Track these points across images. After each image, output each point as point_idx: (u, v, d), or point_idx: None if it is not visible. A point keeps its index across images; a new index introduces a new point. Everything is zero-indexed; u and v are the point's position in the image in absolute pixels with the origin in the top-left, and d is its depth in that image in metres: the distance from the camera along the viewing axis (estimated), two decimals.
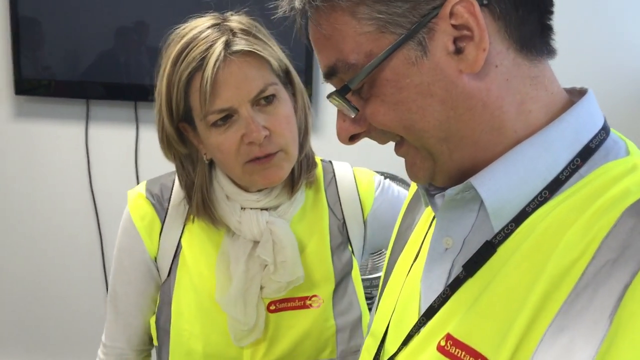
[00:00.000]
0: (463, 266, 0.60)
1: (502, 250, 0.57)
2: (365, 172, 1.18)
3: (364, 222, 1.13)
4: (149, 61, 2.21)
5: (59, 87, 2.23)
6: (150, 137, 2.26)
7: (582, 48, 2.12)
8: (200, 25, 0.98)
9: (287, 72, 1.03)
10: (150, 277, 1.10)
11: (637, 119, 2.06)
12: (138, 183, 2.26)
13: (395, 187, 1.19)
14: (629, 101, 2.16)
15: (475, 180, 0.58)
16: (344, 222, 1.11)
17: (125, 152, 2.27)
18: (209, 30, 0.96)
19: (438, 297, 0.61)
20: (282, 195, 1.06)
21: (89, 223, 2.32)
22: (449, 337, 0.58)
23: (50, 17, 2.19)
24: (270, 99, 0.98)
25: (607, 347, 0.47)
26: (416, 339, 0.63)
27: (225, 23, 0.98)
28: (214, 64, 0.92)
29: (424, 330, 0.62)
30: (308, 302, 1.06)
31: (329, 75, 0.61)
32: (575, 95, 0.62)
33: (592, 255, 0.51)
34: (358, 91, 0.60)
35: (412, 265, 0.71)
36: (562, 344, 0.49)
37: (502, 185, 0.57)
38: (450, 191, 0.60)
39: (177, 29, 1.01)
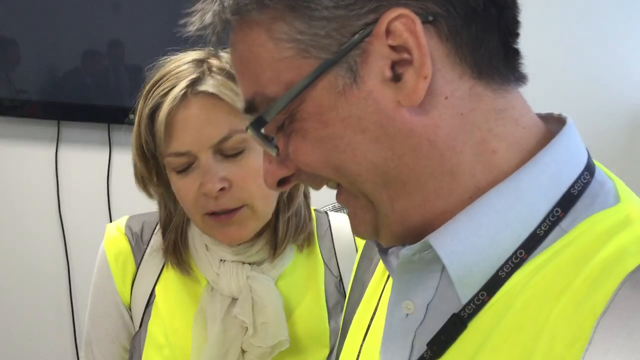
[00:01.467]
0: (428, 344, 0.50)
1: (474, 325, 0.48)
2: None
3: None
4: (124, 82, 2.15)
5: (28, 107, 2.15)
6: (123, 160, 2.18)
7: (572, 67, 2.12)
8: (182, 59, 0.91)
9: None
10: (123, 323, 1.00)
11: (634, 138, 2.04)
12: (110, 209, 2.19)
13: None
14: (624, 120, 2.15)
15: (434, 240, 0.48)
16: (341, 279, 1.00)
17: (97, 176, 2.19)
18: (186, 66, 0.88)
19: None
20: (264, 250, 0.96)
21: (56, 251, 2.22)
22: None
23: (23, 36, 2.11)
24: (238, 150, 0.87)
25: None
26: None
27: (209, 59, 0.89)
28: (170, 103, 0.84)
29: None
30: None
31: (249, 110, 0.52)
32: (553, 123, 0.52)
33: (588, 340, 0.42)
34: (281, 127, 0.50)
35: (368, 325, 0.61)
36: None
37: (467, 246, 0.48)
38: (406, 251, 0.51)
39: (163, 60, 0.94)
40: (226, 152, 0.86)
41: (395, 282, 0.54)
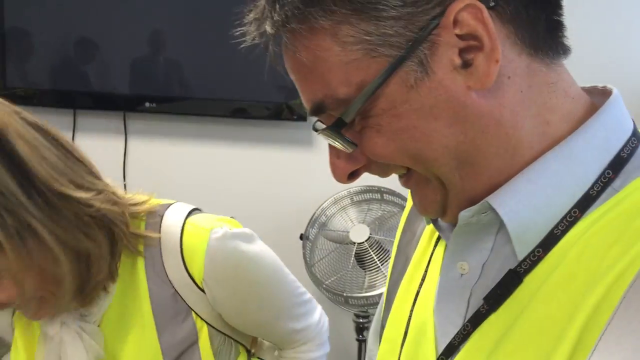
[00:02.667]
0: (484, 299, 0.53)
1: (529, 280, 0.50)
2: (198, 227, 0.93)
3: (201, 289, 0.93)
4: (139, 71, 2.16)
5: (44, 97, 2.17)
6: (139, 148, 2.19)
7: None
8: None
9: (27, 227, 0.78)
10: None
11: None
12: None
13: (243, 242, 0.96)
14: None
15: (494, 200, 0.51)
16: (176, 291, 0.93)
17: (113, 164, 2.21)
18: None
19: (458, 332, 0.54)
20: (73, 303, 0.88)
21: None
22: None
23: (37, 26, 2.13)
24: None
25: None
26: None
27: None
28: None
29: None
30: None
31: (317, 112, 0.53)
32: (596, 96, 0.55)
33: (633, 277, 0.45)
34: (351, 124, 0.52)
35: (418, 290, 0.63)
36: None
37: (525, 205, 0.50)
38: (466, 212, 0.53)
39: None
40: None
41: (450, 245, 0.57)
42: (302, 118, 2.08)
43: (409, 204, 0.76)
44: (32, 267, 0.78)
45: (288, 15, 0.50)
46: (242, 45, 0.54)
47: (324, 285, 1.92)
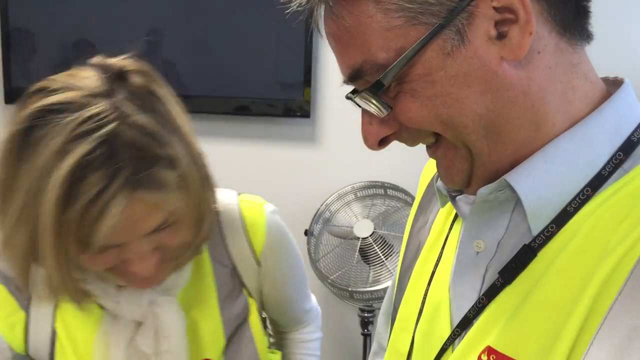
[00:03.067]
0: (499, 272, 0.55)
1: (542, 254, 0.53)
2: (251, 199, 1.01)
3: (258, 262, 0.98)
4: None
5: None
6: None
7: None
8: (89, 127, 0.71)
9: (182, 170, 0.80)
10: None
11: None
12: None
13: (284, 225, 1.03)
14: None
15: (512, 178, 0.53)
16: (235, 267, 0.97)
17: None
18: (102, 150, 0.70)
19: (473, 306, 0.56)
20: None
21: None
22: (490, 350, 0.53)
23: (42, 27, 2.15)
24: (168, 225, 0.79)
25: None
26: (452, 353, 0.58)
27: (122, 133, 0.72)
28: (114, 212, 0.71)
29: (460, 344, 0.57)
30: None
31: (354, 78, 0.55)
32: (610, 84, 0.58)
33: None
34: (385, 89, 0.54)
35: (433, 270, 0.65)
36: (618, 343, 0.45)
37: (541, 183, 0.53)
38: (484, 190, 0.55)
39: (49, 106, 0.73)
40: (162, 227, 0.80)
41: (467, 223, 0.59)
42: (305, 114, 2.09)
43: (420, 192, 0.78)
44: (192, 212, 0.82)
45: None
46: (288, 10, 0.56)
47: (329, 280, 1.93)
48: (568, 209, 0.53)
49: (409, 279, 0.72)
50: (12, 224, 0.76)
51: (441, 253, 0.66)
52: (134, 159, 0.72)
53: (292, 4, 0.56)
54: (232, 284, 0.98)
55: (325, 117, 2.14)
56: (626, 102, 0.55)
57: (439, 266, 0.65)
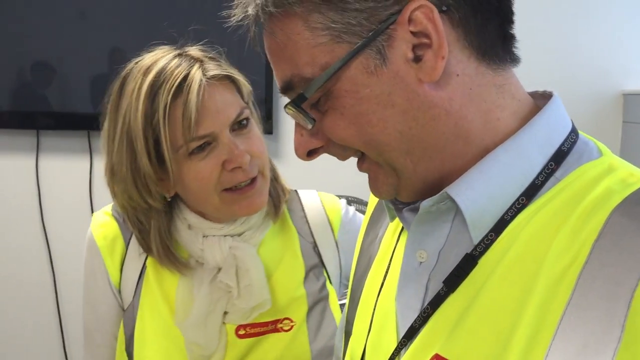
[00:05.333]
0: (444, 282, 0.56)
1: (483, 262, 0.55)
2: (330, 195, 1.16)
3: (336, 243, 1.09)
4: (100, 89, 2.15)
5: (6, 118, 2.14)
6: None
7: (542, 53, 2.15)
8: (163, 56, 0.95)
9: (250, 96, 1.02)
10: (114, 302, 1.03)
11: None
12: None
13: (357, 213, 1.16)
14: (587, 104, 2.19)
15: (452, 190, 0.56)
16: (316, 244, 1.08)
17: (78, 183, 2.19)
18: (177, 60, 0.94)
19: (418, 315, 0.58)
20: (248, 221, 1.02)
21: (40, 259, 2.21)
22: (438, 358, 0.54)
23: None
24: (245, 123, 0.97)
25: (625, 357, 0.44)
26: None
27: (187, 53, 0.96)
28: (198, 90, 0.90)
29: (407, 353, 0.58)
30: (279, 325, 1.02)
31: (285, 90, 0.59)
32: (539, 98, 0.61)
33: (585, 259, 0.49)
34: (316, 104, 0.58)
35: (382, 282, 0.67)
36: (570, 355, 0.47)
37: (480, 194, 0.55)
38: (426, 203, 0.58)
39: (133, 62, 0.97)
40: (237, 127, 0.96)
41: (411, 234, 0.61)
42: (268, 131, 2.10)
43: (370, 207, 0.80)
44: None
45: (268, 1, 0.56)
46: (227, 25, 0.61)
47: None
48: (505, 217, 0.55)
49: (360, 292, 0.73)
50: (115, 148, 0.95)
51: (389, 265, 0.67)
52: (204, 58, 0.95)
53: (231, 20, 0.60)
54: (315, 260, 1.07)
55: (288, 133, 2.15)
56: (556, 114, 0.58)
57: (386, 278, 0.67)
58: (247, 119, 0.97)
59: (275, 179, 1.06)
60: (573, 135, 0.58)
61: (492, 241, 0.55)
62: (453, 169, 0.57)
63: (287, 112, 0.59)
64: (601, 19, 2.21)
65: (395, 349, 0.59)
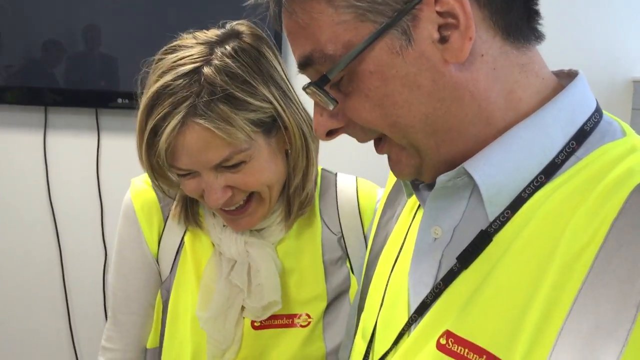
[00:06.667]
0: (457, 258, 0.57)
1: (498, 239, 0.55)
2: (368, 184, 1.11)
3: (364, 236, 1.07)
4: (110, 66, 2.15)
5: (15, 94, 2.14)
6: (112, 144, 2.19)
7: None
8: (180, 64, 0.88)
9: (274, 119, 0.92)
10: (152, 272, 1.04)
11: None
12: (100, 193, 2.20)
13: None
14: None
15: (469, 166, 0.56)
16: (342, 236, 1.05)
17: (85, 161, 2.19)
18: (183, 81, 0.86)
19: (430, 291, 0.58)
20: (271, 219, 1.01)
21: (47, 235, 2.22)
22: (449, 334, 0.54)
23: (6, 23, 2.10)
24: (237, 166, 0.90)
25: (639, 338, 0.44)
26: (410, 338, 0.59)
27: (204, 69, 0.87)
28: (170, 133, 0.85)
29: (417, 328, 0.58)
30: (296, 320, 1.01)
31: (304, 66, 0.58)
32: (564, 78, 0.61)
33: (604, 238, 0.48)
34: (337, 84, 0.57)
35: (396, 258, 0.67)
36: (583, 340, 0.46)
37: (497, 170, 0.55)
38: (443, 177, 0.58)
39: (161, 52, 0.92)
40: (223, 168, 0.90)
41: (426, 210, 0.61)
42: None
43: (389, 185, 0.80)
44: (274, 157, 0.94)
45: None
46: (246, 3, 0.62)
47: None
48: (522, 195, 0.55)
49: (375, 269, 0.73)
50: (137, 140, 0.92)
51: (404, 242, 0.68)
52: (205, 92, 0.85)
53: (250, 0, 0.60)
54: (338, 253, 1.05)
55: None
56: (580, 93, 0.58)
57: (400, 254, 0.67)
58: (241, 162, 0.89)
59: (294, 193, 0.99)
60: (596, 114, 0.58)
61: (508, 218, 0.55)
62: (475, 150, 0.56)
63: (306, 93, 0.58)
64: (611, 5, 2.18)
65: (406, 324, 0.60)
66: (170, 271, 1.02)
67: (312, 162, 0.99)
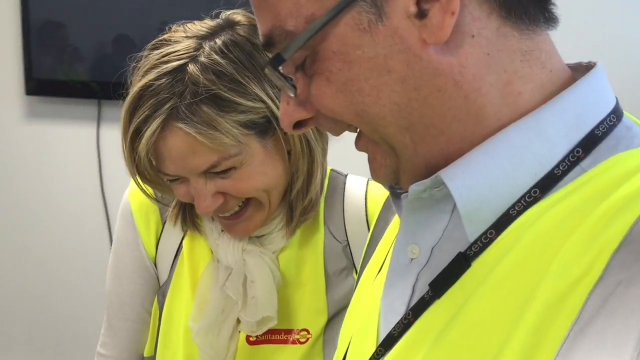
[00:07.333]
0: (430, 284, 0.47)
1: (477, 264, 0.45)
2: (380, 188, 1.02)
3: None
4: None
5: (70, 87, 2.19)
6: None
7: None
8: (165, 61, 0.81)
9: (269, 120, 0.84)
10: (148, 276, 0.99)
11: None
12: None
13: None
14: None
15: (445, 173, 0.46)
16: (348, 244, 0.96)
17: None
18: (167, 80, 0.80)
19: (399, 322, 0.49)
20: (272, 225, 0.94)
21: (99, 225, 2.26)
22: None
23: (63, 16, 2.15)
24: (226, 172, 0.83)
25: None
26: None
27: (189, 66, 0.80)
28: (149, 137, 0.79)
29: None
30: (296, 336, 0.93)
31: (267, 46, 0.50)
32: (581, 72, 0.49)
33: (599, 275, 0.39)
34: (302, 67, 0.48)
35: (376, 277, 0.59)
36: None
37: (479, 180, 0.45)
38: (416, 187, 0.48)
39: (155, 43, 0.86)
40: (212, 174, 0.84)
41: (402, 225, 0.52)
42: None
43: (386, 192, 0.71)
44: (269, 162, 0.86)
45: None
46: None
47: None
48: (511, 212, 0.45)
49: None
50: None
51: (385, 259, 0.59)
52: (188, 92, 0.78)
53: None
54: (343, 263, 0.96)
55: None
56: (594, 89, 0.47)
57: (380, 274, 0.58)
58: (231, 168, 0.83)
59: (296, 197, 0.91)
60: (613, 117, 0.46)
61: (492, 240, 0.45)
62: (461, 152, 0.46)
63: (268, 76, 0.51)
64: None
65: (371, 359, 0.51)
66: (168, 276, 0.97)
67: (316, 165, 0.90)
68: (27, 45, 2.16)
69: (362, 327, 0.56)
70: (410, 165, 0.49)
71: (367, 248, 0.71)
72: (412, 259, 0.51)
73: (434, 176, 0.47)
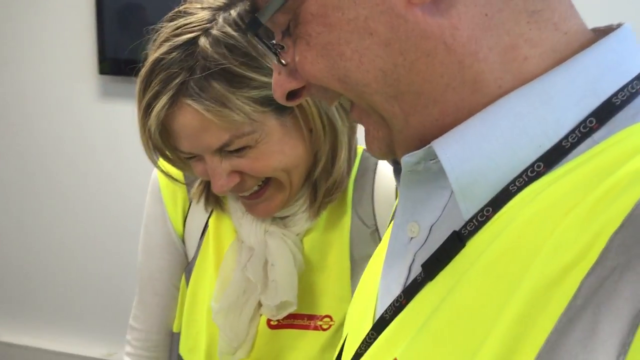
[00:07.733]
0: (422, 265, 0.44)
1: (472, 245, 0.41)
2: None
3: None
4: None
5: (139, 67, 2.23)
6: None
7: None
8: (178, 34, 0.79)
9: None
10: (176, 252, 0.98)
11: None
12: None
13: None
14: None
15: (437, 143, 0.42)
16: (377, 229, 0.92)
17: None
18: (178, 54, 0.77)
19: (391, 305, 0.46)
20: (296, 206, 0.91)
21: None
22: None
23: (150, 1, 2.17)
24: (241, 150, 0.80)
25: None
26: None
27: (201, 44, 0.77)
28: (158, 113, 0.76)
29: (370, 350, 0.47)
30: (318, 322, 0.91)
31: (253, 10, 0.47)
32: (606, 34, 0.43)
33: (596, 259, 0.34)
34: (287, 32, 0.46)
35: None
36: None
37: (474, 151, 0.41)
38: (408, 158, 0.44)
39: (171, 15, 0.83)
40: (226, 153, 0.81)
41: (401, 201, 0.48)
42: None
43: None
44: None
45: None
46: None
47: None
48: (511, 188, 0.40)
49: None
50: None
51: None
52: (198, 67, 0.75)
53: None
54: (371, 248, 0.92)
55: None
56: (616, 51, 0.41)
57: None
58: (245, 147, 0.79)
59: (320, 178, 0.88)
60: (637, 83, 0.41)
61: (488, 218, 0.41)
62: (458, 123, 0.42)
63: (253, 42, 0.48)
64: None
65: (363, 341, 0.48)
66: (194, 254, 0.96)
67: (341, 145, 0.86)
68: (100, 25, 2.22)
69: (362, 310, 0.54)
70: (402, 137, 0.45)
71: (389, 226, 0.67)
72: (411, 238, 0.47)
73: (427, 147, 0.43)
